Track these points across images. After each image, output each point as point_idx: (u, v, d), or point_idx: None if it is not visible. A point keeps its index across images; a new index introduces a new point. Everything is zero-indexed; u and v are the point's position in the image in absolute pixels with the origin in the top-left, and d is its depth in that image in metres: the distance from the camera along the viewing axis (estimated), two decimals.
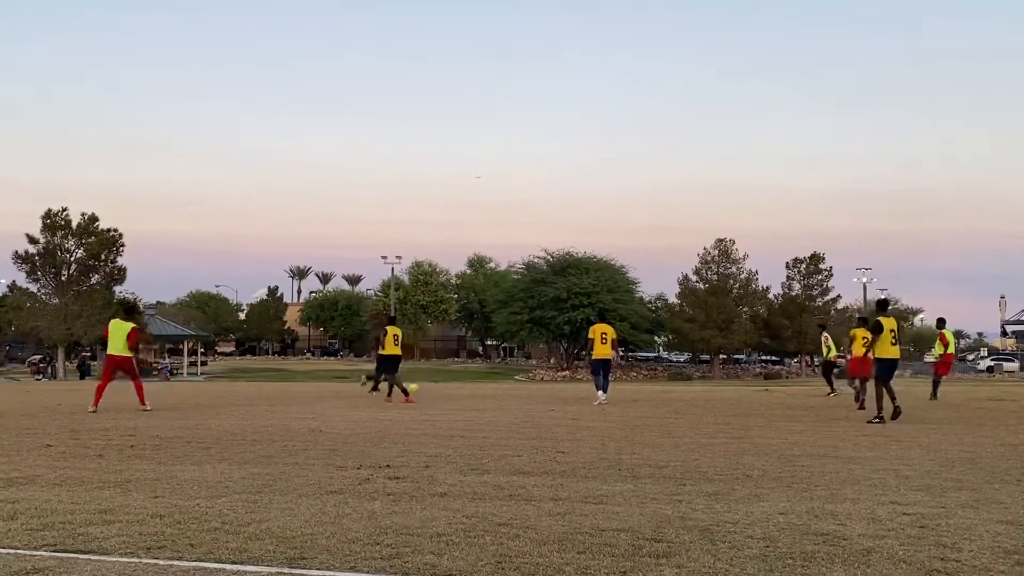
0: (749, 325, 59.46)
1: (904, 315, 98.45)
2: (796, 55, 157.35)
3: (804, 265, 61.15)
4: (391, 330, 18.48)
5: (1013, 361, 70.89)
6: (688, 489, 6.68)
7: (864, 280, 66.17)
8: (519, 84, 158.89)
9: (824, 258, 61.02)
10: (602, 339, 17.82)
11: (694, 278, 59.67)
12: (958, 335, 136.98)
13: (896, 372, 14.02)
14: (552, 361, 66.44)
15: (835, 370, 22.69)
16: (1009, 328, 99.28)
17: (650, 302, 65.67)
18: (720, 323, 56.38)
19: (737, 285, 59.44)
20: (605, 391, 17.87)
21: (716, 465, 8.14)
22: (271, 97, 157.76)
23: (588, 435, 11.09)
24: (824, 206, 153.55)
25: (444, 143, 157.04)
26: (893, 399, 13.22)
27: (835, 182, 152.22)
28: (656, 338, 68.74)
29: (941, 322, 20.45)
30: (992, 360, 72.09)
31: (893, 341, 13.45)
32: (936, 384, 19.60)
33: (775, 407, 17.73)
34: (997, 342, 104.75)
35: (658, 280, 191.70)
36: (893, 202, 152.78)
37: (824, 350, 22.96)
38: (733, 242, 59.67)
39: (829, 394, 21.11)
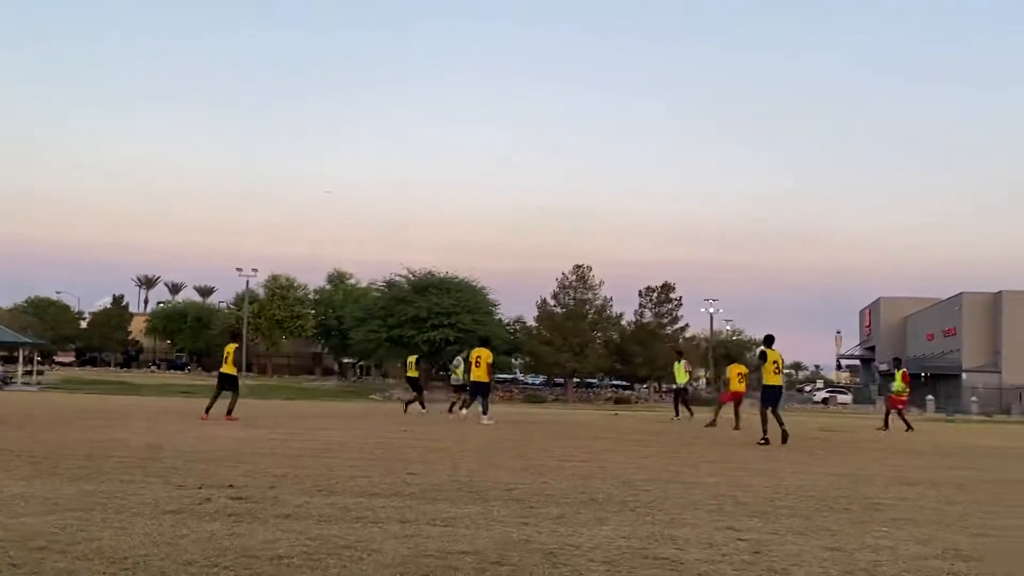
0: (603, 350, 60.69)
1: (748, 346, 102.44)
2: (662, 85, 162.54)
3: (656, 294, 62.97)
4: (228, 347, 17.70)
5: (846, 393, 74.67)
6: (535, 512, 6.73)
7: (711, 311, 68.55)
8: (388, 99, 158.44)
9: (675, 287, 63.03)
10: (476, 363, 18.56)
11: (552, 302, 60.54)
12: (796, 367, 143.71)
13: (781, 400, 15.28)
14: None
15: (684, 396, 23.50)
16: (843, 362, 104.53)
17: (509, 324, 66.19)
18: (575, 347, 57.32)
19: (593, 310, 60.61)
20: (485, 412, 18.45)
21: (564, 488, 8.24)
22: (109, 93, 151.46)
23: (440, 457, 11.05)
24: (675, 237, 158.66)
25: (306, 157, 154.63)
26: (781, 424, 14.28)
27: (686, 214, 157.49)
28: (513, 360, 69.27)
29: (897, 362, 22.85)
30: (827, 392, 75.75)
31: (776, 371, 14.67)
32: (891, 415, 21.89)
33: (624, 431, 18.13)
34: (833, 375, 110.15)
35: (517, 303, 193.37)
36: (740, 235, 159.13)
37: (678, 376, 23.72)
38: (590, 268, 60.93)
39: (674, 418, 21.93)
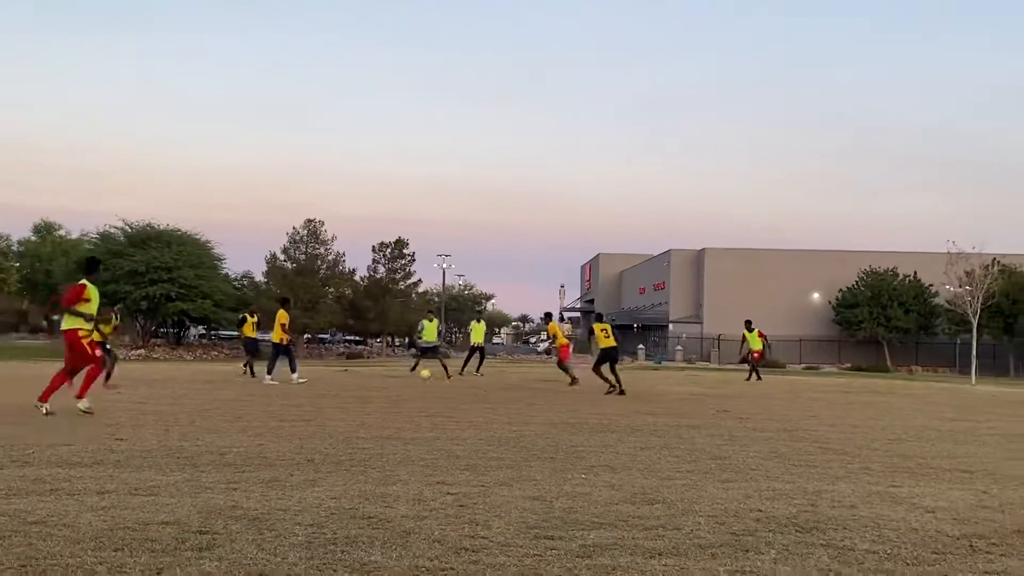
0: (335, 306, 60.10)
1: (478, 300, 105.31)
2: (394, 44, 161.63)
3: (389, 249, 63.05)
4: None
5: (569, 345, 78.42)
6: (246, 476, 6.63)
7: (444, 266, 69.60)
8: (114, 49, 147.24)
9: (408, 243, 63.39)
10: (282, 328, 19.38)
11: (282, 257, 59.10)
12: (523, 320, 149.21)
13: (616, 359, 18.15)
14: (126, 339, 62.46)
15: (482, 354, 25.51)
16: (566, 314, 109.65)
17: (236, 280, 63.98)
18: (306, 303, 56.37)
19: (325, 266, 59.77)
20: (294, 370, 19.19)
21: (280, 450, 8.16)
22: None
23: (153, 420, 10.59)
24: (412, 194, 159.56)
25: (7, 100, 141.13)
26: (618, 382, 17.20)
27: (423, 172, 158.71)
28: (240, 317, 67.16)
29: (748, 323, 26.82)
30: (550, 343, 79.31)
31: (606, 336, 18.00)
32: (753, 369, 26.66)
33: (351, 388, 18.14)
34: (559, 327, 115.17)
35: (247, 258, 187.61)
36: (474, 194, 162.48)
37: (475, 336, 25.79)
38: (322, 223, 59.93)
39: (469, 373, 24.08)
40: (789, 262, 63.50)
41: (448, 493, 6.06)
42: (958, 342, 53.28)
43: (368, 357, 58.44)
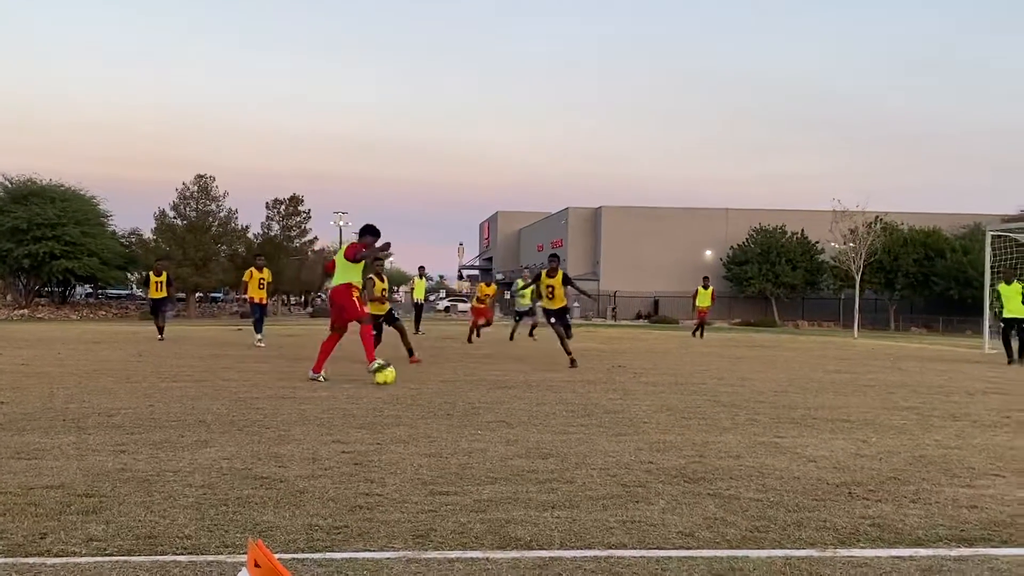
0: (228, 264, 58.79)
1: (380, 259, 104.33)
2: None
3: (284, 206, 61.88)
4: None
5: (467, 302, 78.72)
6: (135, 438, 6.47)
7: (340, 223, 68.74)
8: None
9: (303, 200, 62.29)
10: (259, 284, 19.09)
11: (172, 214, 57.42)
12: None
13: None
14: (9, 298, 60.02)
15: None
16: (465, 272, 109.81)
17: (123, 237, 61.98)
18: (198, 261, 55.02)
19: (217, 223, 58.33)
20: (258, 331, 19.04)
21: (171, 411, 7.99)
22: None
23: (36, 382, 10.25)
24: (307, 150, 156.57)
25: None
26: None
27: (318, 126, 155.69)
28: (129, 275, 65.16)
29: (706, 280, 27.89)
30: (449, 301, 79.38)
31: (549, 296, 15.31)
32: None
33: (246, 347, 17.85)
34: (456, 284, 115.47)
35: (135, 215, 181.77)
36: (371, 149, 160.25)
37: (417, 292, 26.29)
38: (213, 179, 58.36)
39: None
40: (682, 220, 64.75)
41: (343, 452, 6.04)
42: (842, 297, 55.34)
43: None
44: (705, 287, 27.60)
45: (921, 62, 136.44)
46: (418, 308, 25.89)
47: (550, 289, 14.87)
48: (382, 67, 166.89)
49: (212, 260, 56.45)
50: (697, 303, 27.64)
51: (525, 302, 23.10)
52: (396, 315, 15.03)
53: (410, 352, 14.17)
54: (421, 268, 27.41)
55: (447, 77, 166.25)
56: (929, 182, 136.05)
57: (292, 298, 77.28)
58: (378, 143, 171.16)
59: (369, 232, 11.32)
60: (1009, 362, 17.56)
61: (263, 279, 19.15)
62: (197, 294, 61.19)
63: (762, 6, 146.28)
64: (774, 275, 56.56)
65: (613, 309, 61.18)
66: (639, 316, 59.77)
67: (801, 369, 14.78)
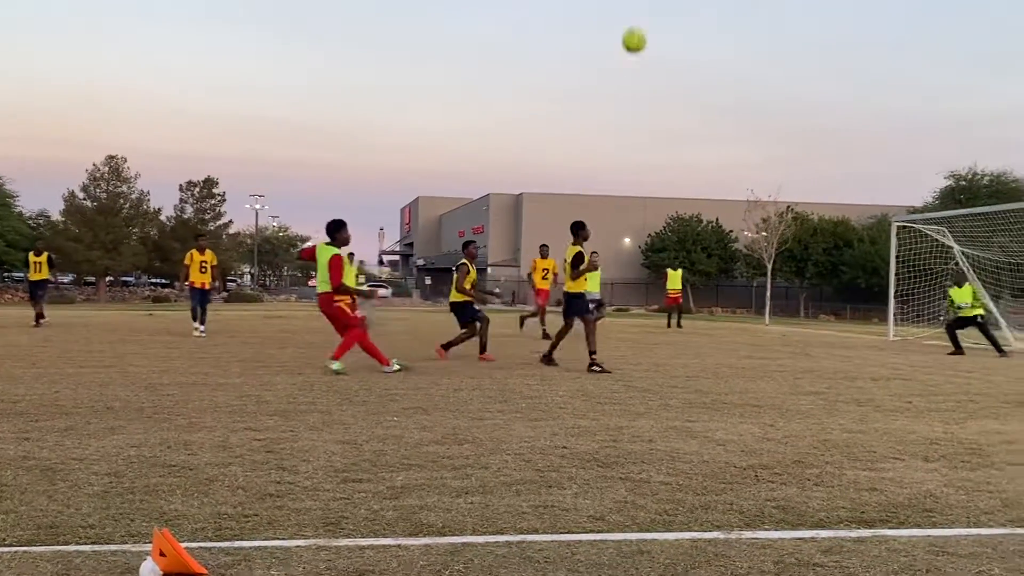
0: (139, 247, 57.41)
1: (294, 242, 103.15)
2: None
3: (198, 188, 60.66)
4: None
5: (387, 288, 78.23)
6: (40, 425, 6.29)
7: (257, 207, 67.64)
8: None
9: (218, 183, 61.15)
10: (200, 268, 17.26)
11: (81, 195, 55.79)
12: None
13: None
14: None
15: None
16: (385, 258, 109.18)
17: (31, 219, 60.05)
18: (108, 244, 53.61)
19: (128, 205, 56.90)
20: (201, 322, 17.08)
21: (78, 397, 7.79)
22: None
23: None
24: (223, 132, 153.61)
25: None
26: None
27: (236, 108, 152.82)
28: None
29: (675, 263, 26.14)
30: (369, 286, 78.77)
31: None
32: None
33: (156, 332, 17.47)
34: (376, 270, 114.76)
35: (42, 196, 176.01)
36: (288, 132, 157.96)
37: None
38: (125, 160, 56.92)
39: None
40: (602, 208, 65.27)
41: (255, 439, 5.96)
42: (755, 285, 56.55)
43: (175, 301, 56.22)
44: (675, 268, 27.06)
45: (835, 54, 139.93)
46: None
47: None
48: (310, 49, 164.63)
49: (123, 243, 55.09)
50: (668, 287, 26.52)
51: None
52: (478, 311, 13.44)
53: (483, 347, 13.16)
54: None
55: (367, 59, 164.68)
56: (840, 173, 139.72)
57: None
58: (301, 127, 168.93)
59: (340, 227, 10.74)
60: (956, 352, 17.13)
61: (205, 262, 17.31)
62: (108, 278, 59.59)
63: None
64: (690, 263, 57.51)
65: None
66: (559, 303, 60.09)
67: (714, 355, 15.07)
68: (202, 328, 16.87)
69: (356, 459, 5.39)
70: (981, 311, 18.04)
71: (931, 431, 7.12)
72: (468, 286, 13.21)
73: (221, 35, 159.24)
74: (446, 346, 13.14)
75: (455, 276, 13.31)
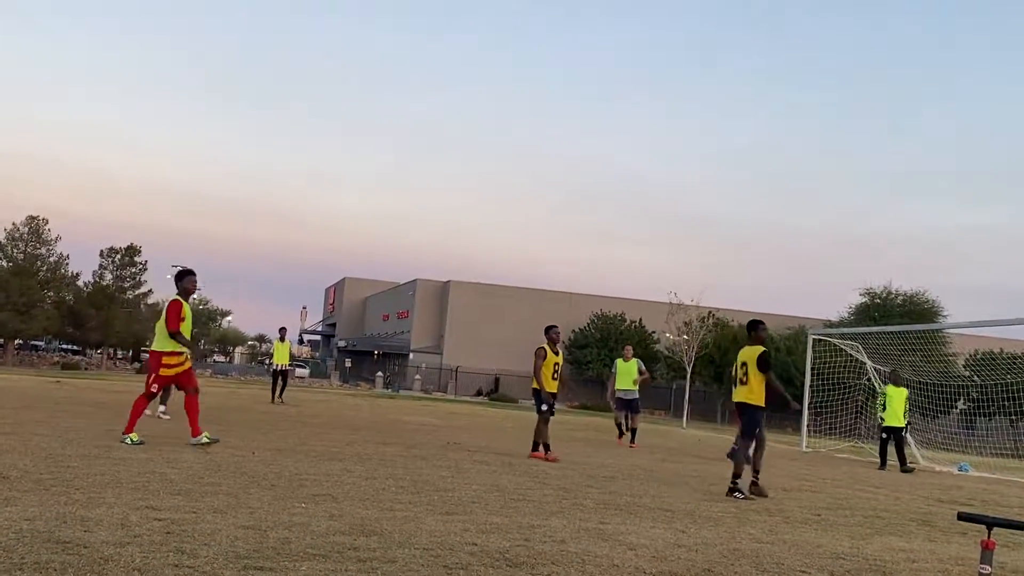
0: (53, 311, 55.90)
1: (214, 316, 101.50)
2: (135, 35, 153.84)
3: (119, 255, 59.56)
4: None
5: (304, 367, 77.16)
6: None
7: None
8: None
9: (140, 251, 60.17)
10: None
11: None
12: (260, 339, 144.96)
13: None
14: None
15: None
16: (306, 336, 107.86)
17: None
18: (21, 306, 52.09)
19: (45, 268, 55.59)
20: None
21: None
22: None
23: None
24: (149, 200, 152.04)
25: None
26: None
27: (156, 178, 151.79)
28: None
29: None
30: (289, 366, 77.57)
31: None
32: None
33: (62, 402, 16.91)
34: (295, 349, 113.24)
35: None
36: (217, 206, 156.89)
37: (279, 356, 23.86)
38: (46, 221, 55.82)
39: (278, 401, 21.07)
40: (528, 300, 65.75)
41: (156, 519, 5.76)
42: (674, 387, 57.08)
43: (86, 368, 54.59)
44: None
45: (761, 168, 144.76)
46: (282, 375, 23.38)
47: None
48: (242, 123, 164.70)
49: (37, 306, 53.58)
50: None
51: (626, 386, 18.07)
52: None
53: (546, 447, 12.74)
54: (282, 330, 24.49)
55: (299, 137, 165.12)
56: (760, 283, 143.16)
57: (120, 352, 73.82)
58: (231, 201, 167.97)
59: (183, 276, 10.63)
60: (881, 468, 17.62)
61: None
62: (17, 341, 57.74)
63: (599, 96, 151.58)
64: (611, 360, 57.90)
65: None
66: (479, 393, 59.88)
67: (630, 456, 15.11)
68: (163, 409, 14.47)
69: (259, 546, 5.24)
70: (906, 421, 18.50)
71: (838, 545, 7.21)
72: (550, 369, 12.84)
73: (155, 104, 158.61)
74: (542, 447, 12.75)
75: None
